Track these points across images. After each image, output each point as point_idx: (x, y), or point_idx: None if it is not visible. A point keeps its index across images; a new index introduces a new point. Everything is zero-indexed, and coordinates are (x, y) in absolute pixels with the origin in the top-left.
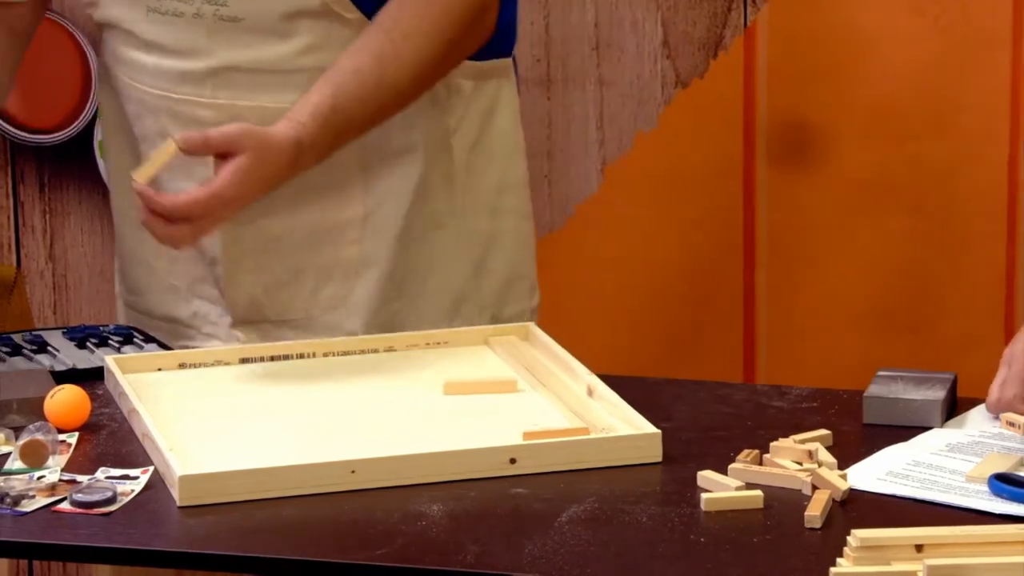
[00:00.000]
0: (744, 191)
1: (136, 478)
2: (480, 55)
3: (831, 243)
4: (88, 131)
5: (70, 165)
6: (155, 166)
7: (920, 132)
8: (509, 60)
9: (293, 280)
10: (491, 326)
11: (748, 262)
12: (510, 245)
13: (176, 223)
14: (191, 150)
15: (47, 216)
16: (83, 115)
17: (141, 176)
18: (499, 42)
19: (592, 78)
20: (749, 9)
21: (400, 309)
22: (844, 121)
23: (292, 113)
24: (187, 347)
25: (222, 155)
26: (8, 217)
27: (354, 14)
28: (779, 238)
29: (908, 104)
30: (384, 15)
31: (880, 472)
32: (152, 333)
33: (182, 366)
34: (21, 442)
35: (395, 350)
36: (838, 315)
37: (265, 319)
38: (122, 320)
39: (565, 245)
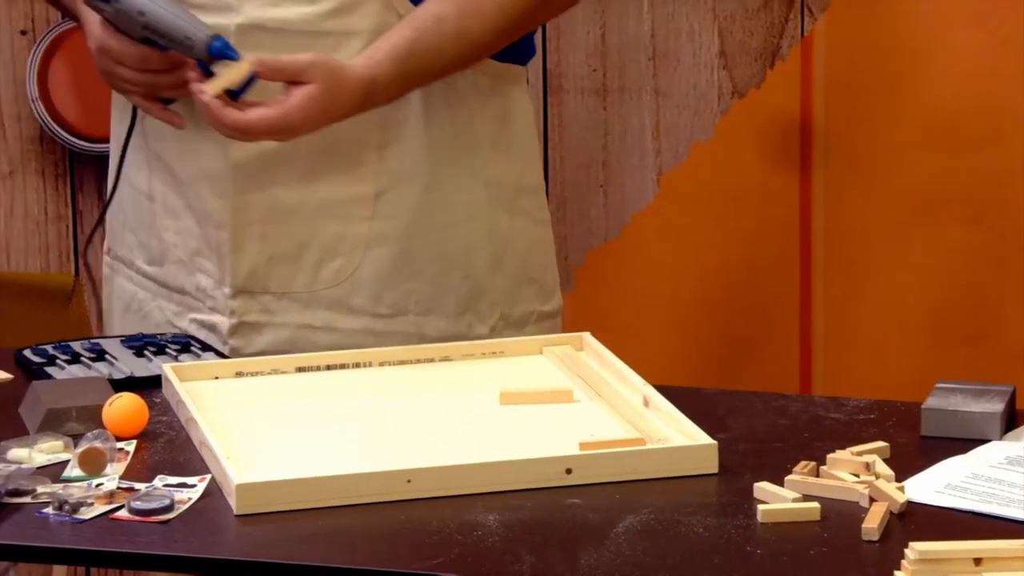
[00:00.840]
0: (800, 201)
1: (193, 486)
2: (498, 57)
3: (888, 253)
4: None
5: None
6: (225, 82)
7: (979, 142)
8: (524, 69)
9: (298, 253)
10: (545, 336)
11: (805, 272)
12: (523, 247)
13: (230, 129)
14: (264, 74)
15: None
16: None
17: (211, 89)
18: (518, 49)
19: (648, 88)
20: (807, 19)
21: (415, 290)
22: (902, 131)
23: (369, 51)
24: (198, 320)
25: (293, 82)
26: (67, 226)
27: None
28: (836, 248)
29: (966, 114)
30: None
31: (938, 485)
32: (169, 304)
33: (239, 374)
34: (80, 450)
35: (451, 359)
36: (895, 326)
37: (266, 290)
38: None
39: (621, 254)
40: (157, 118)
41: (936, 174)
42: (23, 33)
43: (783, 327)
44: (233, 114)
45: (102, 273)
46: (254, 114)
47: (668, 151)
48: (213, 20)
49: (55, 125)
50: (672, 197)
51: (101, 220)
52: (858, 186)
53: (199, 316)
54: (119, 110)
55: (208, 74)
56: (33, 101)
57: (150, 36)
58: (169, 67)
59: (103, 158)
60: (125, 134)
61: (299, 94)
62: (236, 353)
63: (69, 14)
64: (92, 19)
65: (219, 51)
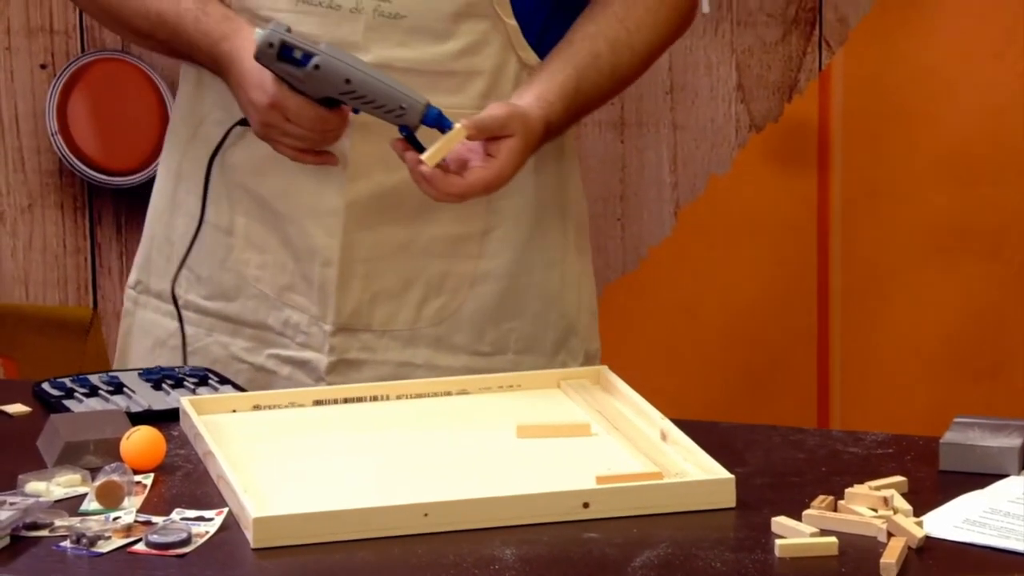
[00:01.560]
0: (818, 234)
1: (211, 519)
2: None
3: (906, 286)
4: None
5: (146, 207)
6: (444, 151)
7: (996, 176)
8: None
9: (403, 290)
10: (562, 369)
11: (822, 305)
12: (589, 283)
13: (445, 196)
14: (473, 135)
15: (123, 257)
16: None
17: (431, 160)
18: None
19: (666, 121)
20: (824, 53)
21: (516, 328)
22: (919, 164)
23: (541, 92)
24: (279, 356)
25: (493, 137)
26: (85, 259)
27: (511, 20)
28: (853, 281)
29: (984, 147)
30: (617, 4)
31: (956, 520)
32: (236, 339)
33: (256, 408)
34: (97, 483)
35: (468, 393)
36: (913, 359)
37: (368, 328)
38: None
39: (638, 287)
40: (311, 163)
41: (954, 207)
42: (43, 67)
43: (801, 360)
44: (457, 182)
45: (124, 307)
46: (473, 178)
47: (685, 184)
48: None
49: (74, 159)
50: (690, 230)
51: (187, 255)
52: (876, 219)
53: (283, 352)
54: (178, 146)
55: (411, 138)
56: (52, 135)
57: (348, 100)
58: (341, 125)
59: (121, 192)
60: (205, 170)
61: (505, 149)
62: None
63: (191, 61)
64: (259, 74)
65: (435, 120)
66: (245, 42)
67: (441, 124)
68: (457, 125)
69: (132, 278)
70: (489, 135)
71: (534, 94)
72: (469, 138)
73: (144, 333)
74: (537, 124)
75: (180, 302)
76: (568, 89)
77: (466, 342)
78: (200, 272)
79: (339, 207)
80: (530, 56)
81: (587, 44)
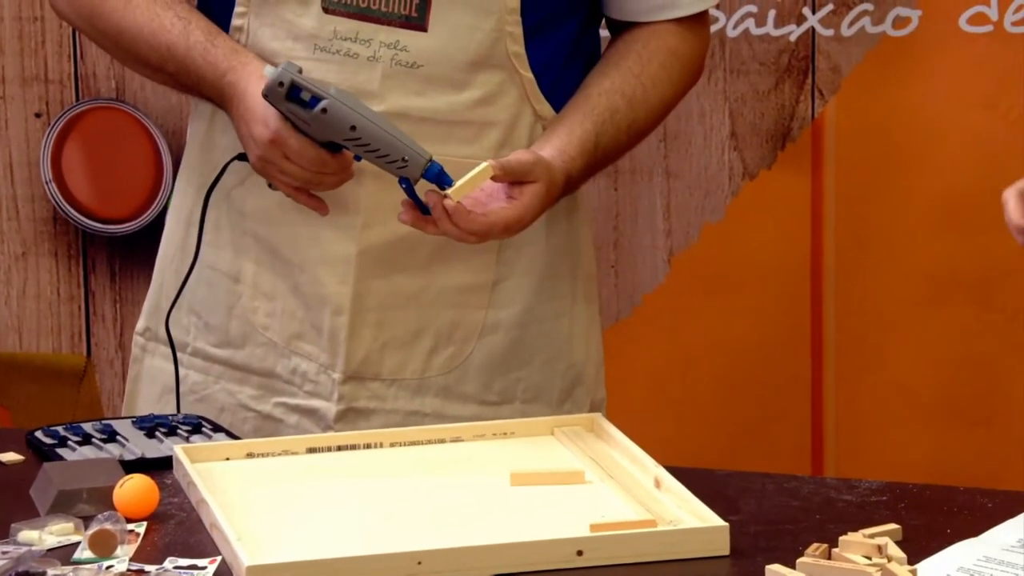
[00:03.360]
0: (811, 282)
1: (204, 568)
2: None
3: (899, 334)
4: (159, 220)
5: (141, 254)
6: (470, 187)
7: (989, 224)
8: None
9: (413, 339)
10: (556, 417)
11: (816, 354)
12: (596, 333)
13: (465, 235)
14: (499, 176)
15: (117, 305)
16: (155, 204)
17: (457, 195)
18: None
19: (659, 169)
20: (817, 101)
21: (523, 378)
22: (912, 212)
23: (562, 146)
24: (287, 404)
25: (517, 181)
26: (79, 306)
27: (527, 73)
28: (847, 330)
29: (977, 195)
30: (631, 60)
31: (951, 568)
32: (244, 387)
33: (250, 455)
34: (90, 532)
35: (463, 440)
36: (907, 407)
37: (377, 377)
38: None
39: (631, 335)
40: (303, 204)
41: (947, 255)
42: (37, 116)
43: (794, 408)
44: (479, 219)
45: (132, 353)
46: (495, 217)
47: (679, 232)
48: None
49: (68, 206)
50: (683, 277)
51: (180, 292)
52: (869, 267)
53: (290, 400)
54: (189, 192)
55: (410, 191)
56: (47, 183)
57: (351, 147)
58: (341, 170)
59: (116, 239)
60: (200, 216)
61: (528, 193)
62: None
63: (198, 95)
64: (264, 109)
65: (435, 176)
66: (252, 76)
67: (441, 181)
68: (484, 164)
69: (140, 324)
70: (514, 178)
71: (555, 147)
72: (494, 179)
73: (152, 380)
74: (559, 176)
75: (188, 349)
76: (587, 144)
77: (474, 391)
78: (209, 320)
79: (351, 255)
80: (544, 108)
81: (604, 99)
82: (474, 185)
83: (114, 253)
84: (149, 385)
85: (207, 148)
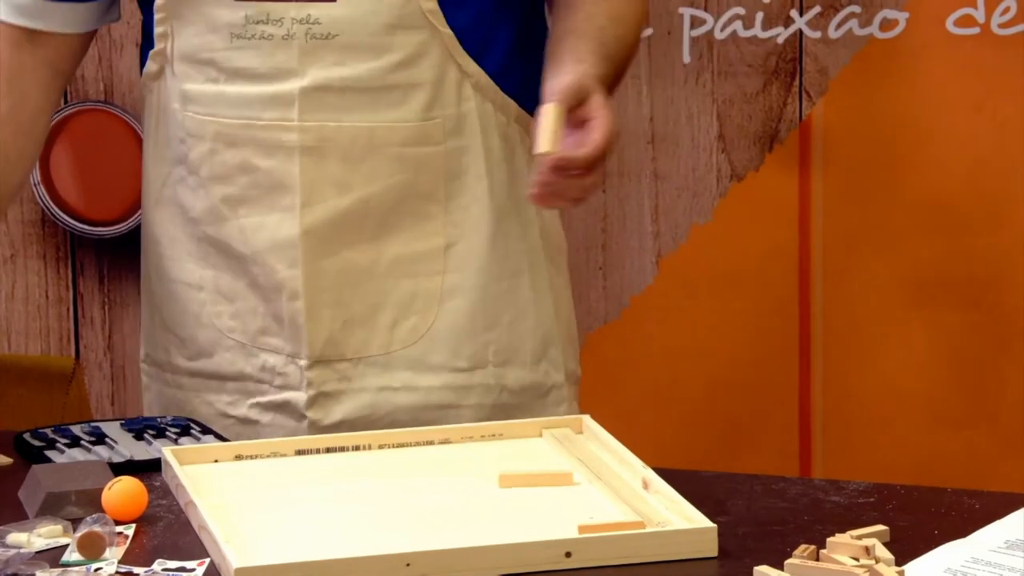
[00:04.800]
0: (800, 284)
1: (192, 570)
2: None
3: (887, 336)
4: None
5: (129, 257)
6: (555, 132)
7: (977, 225)
8: None
9: (373, 315)
10: (544, 419)
11: (804, 355)
12: (568, 305)
13: (589, 174)
14: (569, 102)
15: (106, 308)
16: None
17: (550, 146)
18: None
19: (648, 171)
20: (805, 103)
21: (492, 340)
22: (900, 215)
23: (574, 58)
24: (260, 404)
25: (579, 103)
26: (67, 309)
27: (446, 29)
28: (835, 330)
29: (964, 197)
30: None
31: (938, 569)
32: (220, 395)
33: (238, 457)
34: (79, 534)
35: (451, 442)
36: (895, 408)
37: (342, 357)
38: (156, 403)
39: (620, 336)
40: None
41: (934, 257)
42: None
43: (782, 409)
44: (578, 153)
45: (142, 381)
46: (592, 144)
47: (667, 233)
48: (277, 87)
49: (56, 209)
50: (671, 279)
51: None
52: (856, 269)
53: (263, 399)
54: (168, 205)
55: None
56: (35, 185)
57: None
58: None
59: (104, 241)
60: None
61: (599, 104)
62: (315, 425)
63: None
64: None
65: None
66: None
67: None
68: (547, 107)
69: (142, 351)
70: (576, 100)
71: (569, 61)
72: (563, 106)
73: (160, 408)
74: (593, 80)
75: (169, 368)
76: (595, 48)
77: (444, 360)
78: (180, 334)
79: (296, 236)
80: (470, 65)
81: (588, 23)
82: (556, 128)
83: (103, 255)
84: (156, 408)
85: (156, 184)
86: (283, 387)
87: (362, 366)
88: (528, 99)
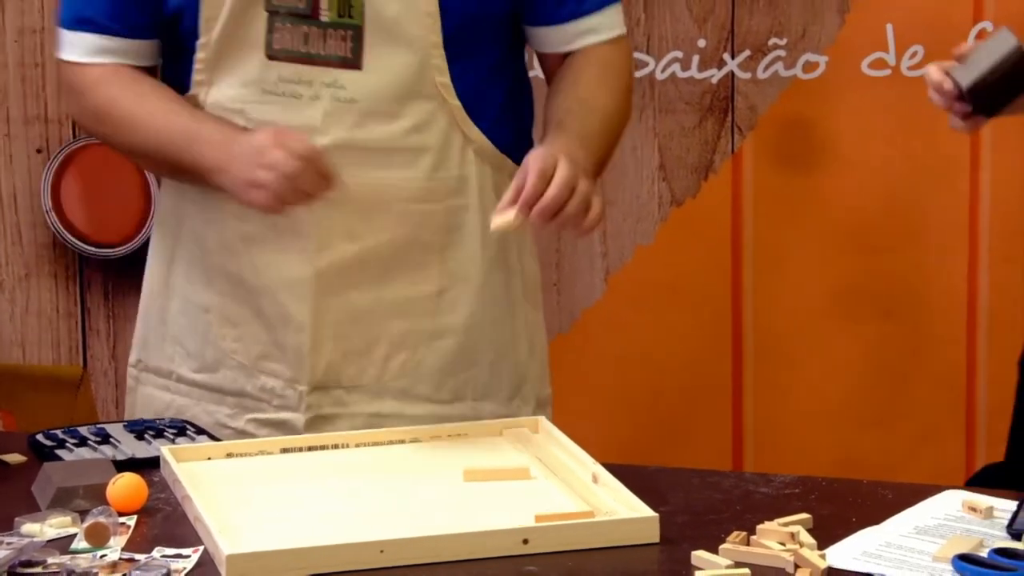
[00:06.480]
0: (732, 298)
1: (188, 557)
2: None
3: (811, 345)
4: (147, 245)
5: (131, 275)
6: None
7: (890, 245)
8: None
9: (369, 349)
10: (504, 419)
11: (736, 362)
12: (541, 336)
13: (559, 198)
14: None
15: (111, 321)
16: (143, 230)
17: (500, 222)
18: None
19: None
20: (736, 137)
21: (472, 378)
22: (822, 235)
23: (548, 139)
24: (257, 419)
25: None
26: (76, 322)
27: (454, 100)
28: (764, 340)
29: (878, 220)
30: (568, 79)
31: (855, 552)
32: (220, 407)
33: (230, 455)
34: (86, 524)
35: (420, 441)
36: (817, 410)
37: (339, 385)
38: (169, 410)
39: (572, 346)
40: (279, 211)
41: (852, 273)
42: (39, 151)
43: (717, 410)
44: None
45: (128, 384)
46: (525, 171)
47: (614, 254)
48: None
49: (66, 233)
50: (618, 295)
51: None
52: (783, 284)
53: (261, 415)
54: (167, 236)
55: None
56: (47, 211)
57: None
58: (323, 173)
59: (109, 261)
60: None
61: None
62: None
63: (191, 163)
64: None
65: None
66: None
67: None
68: (507, 218)
69: (132, 357)
70: (516, 191)
71: (548, 142)
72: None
73: (146, 407)
74: (555, 146)
75: (173, 376)
76: (564, 128)
77: (428, 392)
78: (188, 348)
79: (309, 276)
80: (473, 132)
81: (558, 111)
82: (504, 210)
83: (108, 274)
84: (144, 412)
85: (176, 214)
86: (281, 407)
87: (356, 393)
88: (517, 152)
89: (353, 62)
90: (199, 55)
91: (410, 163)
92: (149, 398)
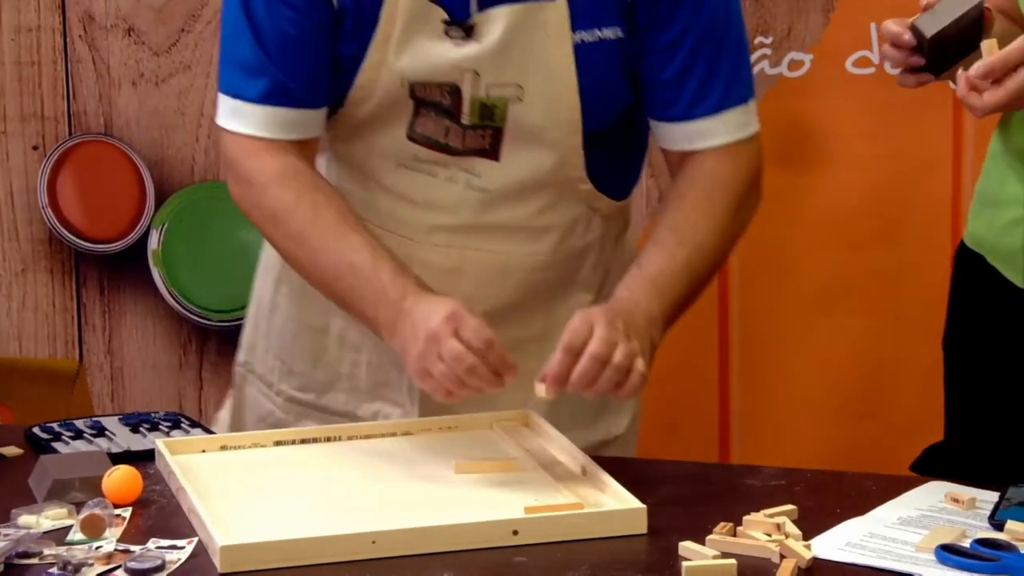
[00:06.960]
0: (719, 295)
1: (183, 548)
2: (617, 196)
3: (795, 341)
4: (142, 241)
5: (126, 271)
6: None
7: (871, 242)
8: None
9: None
10: (494, 413)
11: (723, 356)
12: None
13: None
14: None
15: (106, 316)
16: (138, 227)
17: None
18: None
19: None
20: None
21: (579, 409)
22: (806, 232)
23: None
24: None
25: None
26: (72, 317)
27: (587, 185)
28: (750, 336)
29: (861, 217)
30: (676, 191)
31: (840, 543)
32: (330, 421)
33: (223, 448)
34: (81, 516)
35: (412, 434)
36: (803, 403)
37: (448, 412)
38: (280, 413)
39: None
40: (457, 399)
41: (837, 270)
42: (35, 148)
43: (705, 403)
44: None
45: (235, 380)
46: (560, 347)
47: None
48: (433, 220)
49: (62, 229)
50: None
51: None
52: (769, 280)
53: None
54: (277, 257)
55: None
56: (43, 208)
57: None
58: (502, 362)
59: (105, 257)
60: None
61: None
62: None
63: (360, 312)
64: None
65: None
66: (429, 300)
67: None
68: (539, 392)
69: (241, 357)
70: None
71: (622, 289)
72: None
73: (252, 406)
74: (610, 303)
75: (274, 389)
76: (643, 271)
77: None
78: (293, 367)
79: None
80: (602, 203)
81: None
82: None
83: (103, 270)
84: (250, 410)
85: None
86: None
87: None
88: (628, 191)
89: (491, 154)
90: (340, 116)
91: (536, 239)
92: (255, 401)
